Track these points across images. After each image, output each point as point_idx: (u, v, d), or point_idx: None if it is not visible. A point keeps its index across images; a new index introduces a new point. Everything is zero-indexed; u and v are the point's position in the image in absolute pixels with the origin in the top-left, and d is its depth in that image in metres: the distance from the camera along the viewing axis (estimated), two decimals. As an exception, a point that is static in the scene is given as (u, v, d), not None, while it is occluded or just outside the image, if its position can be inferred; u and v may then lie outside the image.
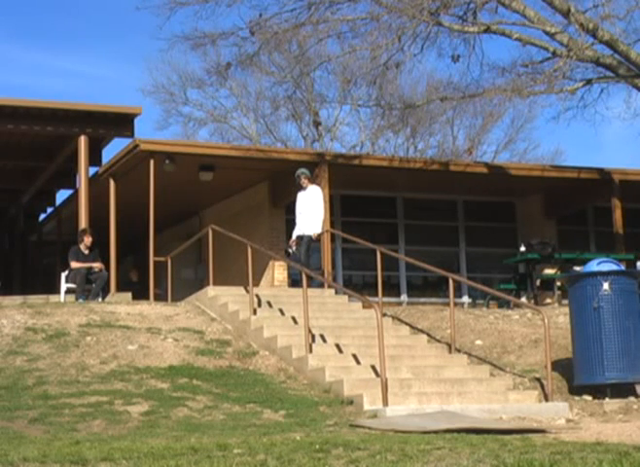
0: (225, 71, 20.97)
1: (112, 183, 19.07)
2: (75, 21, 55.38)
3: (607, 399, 10.99)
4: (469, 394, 10.62)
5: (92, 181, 19.12)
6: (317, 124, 36.26)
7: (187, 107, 37.28)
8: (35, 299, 16.23)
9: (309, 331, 11.89)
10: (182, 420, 9.29)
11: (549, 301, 19.53)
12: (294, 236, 16.09)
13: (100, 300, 16.08)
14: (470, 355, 12.44)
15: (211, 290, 14.58)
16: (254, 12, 18.45)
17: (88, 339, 12.18)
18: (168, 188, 18.67)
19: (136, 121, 18.84)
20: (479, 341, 13.08)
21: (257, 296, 13.81)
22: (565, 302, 15.59)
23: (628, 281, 11.44)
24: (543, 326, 11.33)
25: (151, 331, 12.70)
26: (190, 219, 23.28)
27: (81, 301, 15.66)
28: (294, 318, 13.03)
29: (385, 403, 9.84)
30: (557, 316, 14.18)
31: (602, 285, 11.22)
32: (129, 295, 17.14)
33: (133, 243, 22.10)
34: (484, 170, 20.52)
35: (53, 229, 24.62)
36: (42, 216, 26.10)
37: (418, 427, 8.22)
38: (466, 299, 21.04)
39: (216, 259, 15.70)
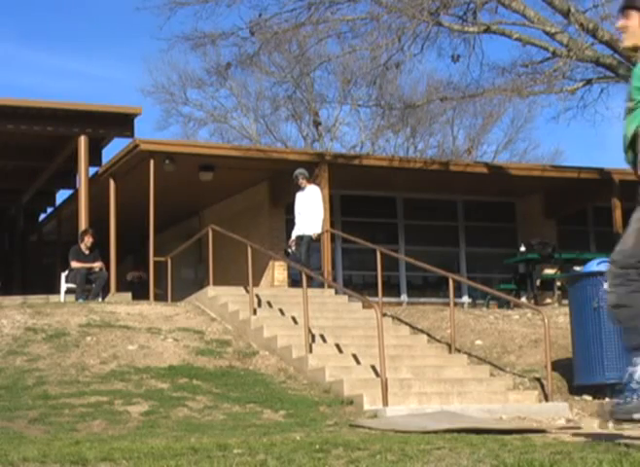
0: (225, 71, 21.00)
1: (112, 183, 19.08)
2: (75, 21, 55.42)
3: (607, 399, 10.98)
4: (469, 394, 10.62)
5: (92, 181, 19.12)
6: (317, 124, 36.26)
7: (187, 107, 37.33)
8: (35, 299, 16.23)
9: (309, 331, 11.89)
10: (182, 420, 9.28)
11: (549, 301, 19.53)
12: (293, 236, 16.08)
13: (100, 300, 16.08)
14: (470, 355, 12.43)
15: (211, 290, 14.57)
16: (254, 12, 18.50)
17: (88, 339, 12.18)
18: (168, 188, 18.67)
19: (136, 121, 18.88)
20: (479, 341, 13.07)
21: (257, 296, 13.81)
22: (565, 302, 15.58)
23: (628, 281, 11.42)
24: (543, 326, 11.33)
25: (151, 331, 12.70)
26: (190, 219, 23.28)
27: (81, 301, 15.66)
28: (294, 318, 13.02)
29: (385, 403, 9.83)
30: (557, 316, 14.18)
31: (602, 285, 11.21)
32: (129, 295, 17.15)
33: (133, 243, 22.10)
34: (484, 170, 20.52)
35: (53, 229, 24.62)
36: (42, 216, 26.11)
37: (418, 427, 8.21)
38: (466, 299, 21.04)
39: (216, 259, 15.70)
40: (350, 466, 4.32)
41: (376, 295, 14.80)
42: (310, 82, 33.86)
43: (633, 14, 4.76)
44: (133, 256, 24.68)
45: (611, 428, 4.78)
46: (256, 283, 16.24)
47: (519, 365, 12.20)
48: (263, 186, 20.24)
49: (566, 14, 16.69)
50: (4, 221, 25.41)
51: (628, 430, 4.87)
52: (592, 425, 8.90)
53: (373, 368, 10.92)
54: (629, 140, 4.81)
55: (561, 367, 11.88)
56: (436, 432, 7.57)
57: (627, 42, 4.84)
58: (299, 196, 16.12)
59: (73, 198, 21.09)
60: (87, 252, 16.62)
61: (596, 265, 11.59)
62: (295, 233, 16.04)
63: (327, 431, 8.27)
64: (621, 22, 4.84)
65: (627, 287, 4.77)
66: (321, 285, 15.27)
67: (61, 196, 24.50)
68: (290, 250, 16.04)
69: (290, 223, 17.33)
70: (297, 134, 37.37)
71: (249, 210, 20.59)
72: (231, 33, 18.71)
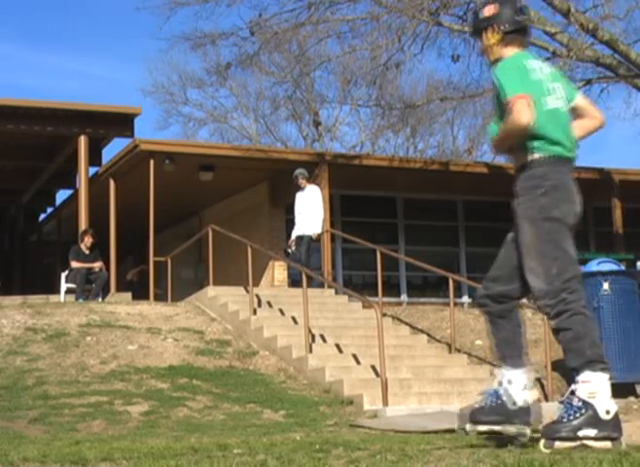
0: (225, 71, 20.98)
1: (112, 183, 19.07)
2: (75, 22, 55.44)
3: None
4: (469, 394, 10.60)
5: (92, 181, 19.12)
6: (317, 124, 36.25)
7: (187, 107, 37.34)
8: (35, 299, 16.23)
9: (309, 331, 11.89)
10: (182, 420, 9.28)
11: (549, 301, 19.49)
12: (293, 236, 16.08)
13: (100, 300, 16.08)
14: (470, 355, 12.44)
15: (211, 290, 14.58)
16: (254, 12, 18.49)
17: (88, 339, 12.18)
18: (168, 188, 18.66)
19: (136, 121, 18.87)
20: (479, 341, 13.07)
21: (257, 296, 13.81)
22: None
23: (628, 281, 11.44)
24: (543, 326, 11.32)
25: (151, 331, 12.70)
26: (190, 219, 23.27)
27: (81, 301, 15.66)
28: (294, 318, 13.02)
29: (385, 403, 9.84)
30: (557, 316, 14.16)
31: (602, 285, 11.22)
32: (129, 295, 17.14)
33: (133, 243, 22.10)
34: (484, 170, 20.50)
35: (53, 229, 24.62)
36: (42, 216, 26.11)
37: (418, 427, 8.21)
38: (466, 299, 21.02)
39: (216, 259, 15.70)
40: (350, 466, 4.32)
41: (376, 295, 14.80)
42: (310, 82, 33.84)
43: (481, 36, 5.13)
44: (133, 256, 24.68)
45: (556, 448, 4.69)
46: (256, 283, 16.24)
47: (519, 365, 12.18)
48: (263, 186, 20.24)
49: (566, 14, 16.68)
50: (4, 221, 25.41)
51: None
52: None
53: (373, 368, 10.92)
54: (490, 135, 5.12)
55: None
56: (436, 432, 7.57)
57: (490, 58, 5.17)
58: (299, 196, 16.12)
59: (73, 198, 21.09)
60: (87, 252, 16.62)
61: (596, 265, 11.59)
62: (295, 234, 16.04)
63: (327, 431, 8.27)
64: (480, 48, 5.24)
65: (568, 312, 4.80)
66: (321, 285, 15.27)
67: (61, 196, 24.54)
68: (290, 250, 16.03)
69: (290, 223, 17.33)
70: (297, 134, 37.41)
71: (249, 210, 20.59)
72: (230, 33, 18.72)
